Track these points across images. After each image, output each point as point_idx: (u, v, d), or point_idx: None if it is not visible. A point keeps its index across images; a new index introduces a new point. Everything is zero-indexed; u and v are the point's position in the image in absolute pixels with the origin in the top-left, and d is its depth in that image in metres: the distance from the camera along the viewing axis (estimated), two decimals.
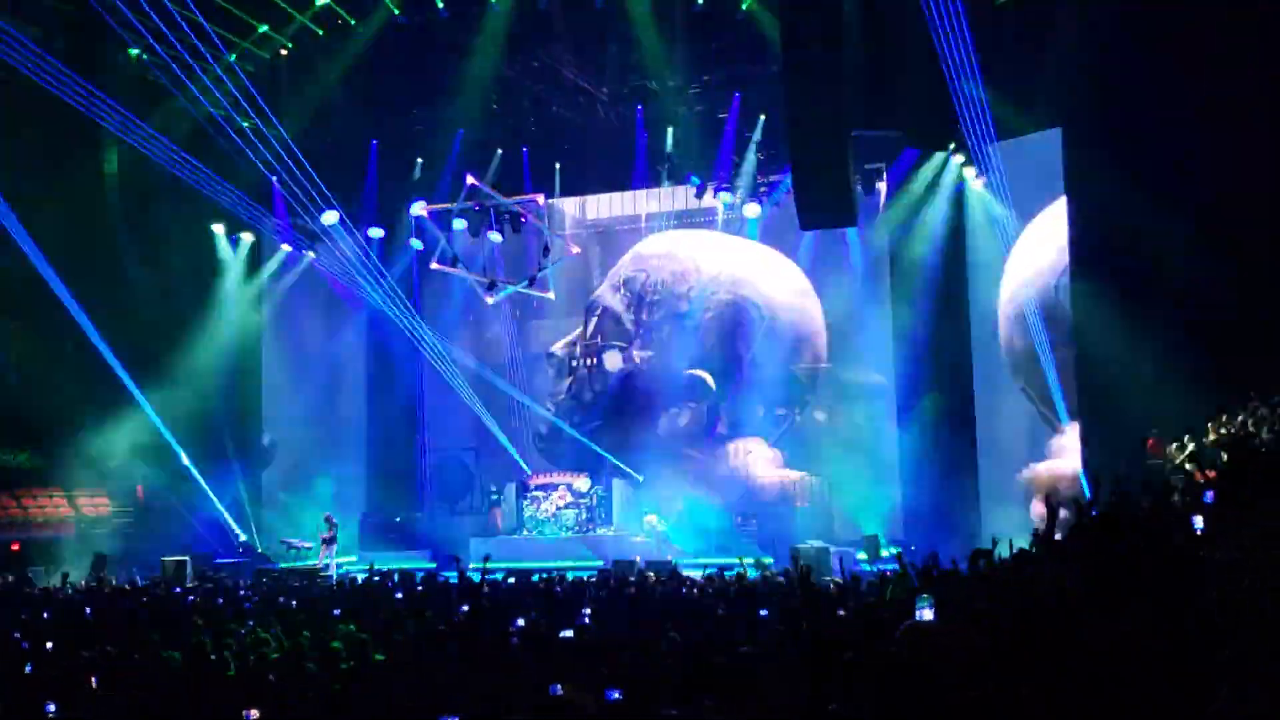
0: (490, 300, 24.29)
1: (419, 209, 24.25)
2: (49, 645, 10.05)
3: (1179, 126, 16.77)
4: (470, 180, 23.10)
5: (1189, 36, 16.56)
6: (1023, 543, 10.56)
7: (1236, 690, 4.00)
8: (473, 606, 10.99)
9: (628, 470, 24.70)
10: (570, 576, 15.77)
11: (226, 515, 23.99)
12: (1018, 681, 4.61)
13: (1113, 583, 6.15)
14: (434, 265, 25.01)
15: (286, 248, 25.15)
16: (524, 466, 25.52)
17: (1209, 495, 9.03)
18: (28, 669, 8.76)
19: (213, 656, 8.59)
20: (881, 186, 23.01)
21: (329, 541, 22.14)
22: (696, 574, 16.48)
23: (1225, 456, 14.21)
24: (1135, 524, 8.27)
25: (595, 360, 26.15)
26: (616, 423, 25.70)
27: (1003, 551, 9.91)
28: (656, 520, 22.75)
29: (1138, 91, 17.62)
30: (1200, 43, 16.30)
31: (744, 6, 20.62)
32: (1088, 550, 7.62)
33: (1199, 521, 8.33)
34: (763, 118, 22.93)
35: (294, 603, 13.71)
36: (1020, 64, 19.62)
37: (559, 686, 6.50)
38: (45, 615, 12.92)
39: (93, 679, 8.18)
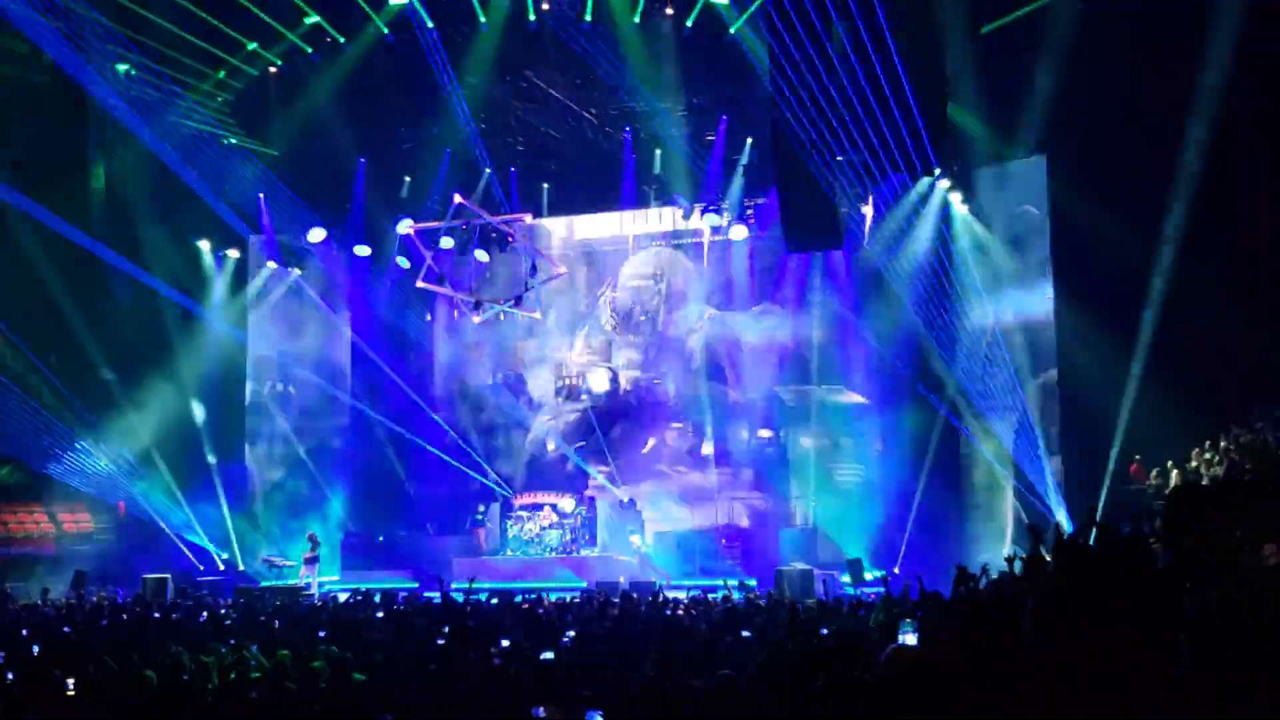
0: (476, 319, 24.28)
1: (406, 227, 24.20)
2: (27, 662, 9.97)
3: (1162, 154, 16.90)
4: (457, 199, 23.10)
5: (1172, 66, 16.69)
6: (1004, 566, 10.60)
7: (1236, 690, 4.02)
8: (455, 627, 10.96)
9: (612, 491, 24.69)
10: (553, 597, 15.74)
11: (208, 533, 23.89)
12: (1007, 698, 4.63)
13: (1107, 588, 6.18)
14: (420, 284, 24.97)
15: (272, 265, 25.11)
16: (508, 486, 25.47)
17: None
18: (7, 687, 8.70)
19: (185, 677, 8.54)
20: (867, 210, 23.11)
21: (311, 560, 22.06)
22: (681, 595, 16.48)
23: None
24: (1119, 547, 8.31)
25: (581, 380, 26.17)
26: (601, 443, 25.71)
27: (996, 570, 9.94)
28: (639, 541, 22.72)
29: (1121, 119, 17.78)
30: (1184, 72, 16.43)
31: (732, 30, 20.71)
32: (1070, 569, 7.65)
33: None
34: (750, 140, 23.02)
35: (275, 622, 13.65)
36: (1005, 90, 19.76)
37: (541, 709, 6.49)
38: (24, 632, 12.83)
39: (71, 697, 8.13)
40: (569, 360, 26.34)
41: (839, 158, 17.12)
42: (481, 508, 24.55)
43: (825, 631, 9.55)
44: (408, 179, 25.47)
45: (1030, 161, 20.69)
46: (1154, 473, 17.82)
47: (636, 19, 20.87)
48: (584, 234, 26.40)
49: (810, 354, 24.10)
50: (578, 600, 15.55)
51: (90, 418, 22.79)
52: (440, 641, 10.25)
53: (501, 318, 25.40)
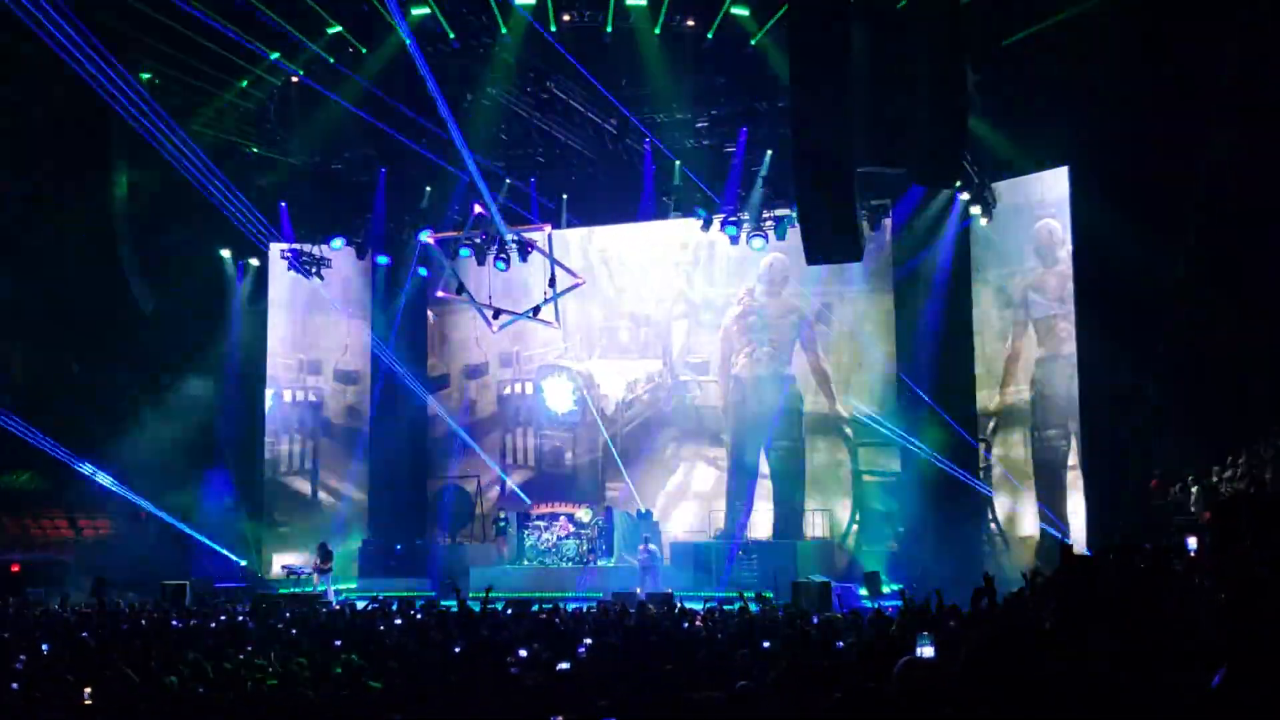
0: (495, 329, 24.30)
1: (426, 237, 24.34)
2: (47, 667, 10.01)
3: (1185, 167, 16.85)
4: (477, 209, 23.18)
5: (1196, 79, 16.66)
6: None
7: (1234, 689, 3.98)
8: (472, 637, 10.96)
9: (630, 501, 24.66)
10: (570, 608, 15.72)
11: (226, 540, 23.98)
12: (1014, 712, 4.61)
13: (1120, 604, 6.16)
14: (439, 293, 25.08)
15: (293, 273, 25.22)
16: (525, 496, 25.46)
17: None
18: (29, 694, 8.73)
19: (201, 688, 8.56)
20: (887, 222, 23.09)
21: (324, 571, 22.13)
22: (697, 606, 16.45)
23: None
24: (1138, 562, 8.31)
25: (598, 390, 26.15)
26: (619, 454, 25.70)
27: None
28: (644, 549, 22.34)
29: (1144, 132, 17.73)
30: (1208, 85, 16.40)
31: (753, 41, 20.72)
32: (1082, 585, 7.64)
33: (1192, 543, 8.42)
34: (770, 152, 23.00)
35: (293, 629, 13.68)
36: (1027, 102, 19.73)
37: (558, 718, 6.49)
38: (41, 636, 12.89)
39: (90, 703, 8.16)
40: (587, 371, 26.34)
41: (859, 170, 17.07)
42: (503, 514, 24.54)
43: (841, 645, 9.52)
44: (428, 189, 25.57)
45: (1052, 174, 20.64)
46: (1175, 488, 17.73)
47: (658, 30, 20.89)
48: (603, 244, 26.40)
49: (830, 367, 24.06)
50: (594, 610, 15.54)
51: (110, 424, 22.90)
52: (457, 650, 10.25)
53: (520, 328, 25.43)
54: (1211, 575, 7.53)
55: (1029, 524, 21.00)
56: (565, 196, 25.53)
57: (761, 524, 23.98)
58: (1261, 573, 6.66)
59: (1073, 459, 20.43)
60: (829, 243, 16.72)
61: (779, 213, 23.01)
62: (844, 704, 5.01)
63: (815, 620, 13.20)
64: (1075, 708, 4.42)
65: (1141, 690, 4.53)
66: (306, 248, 24.99)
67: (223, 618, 15.84)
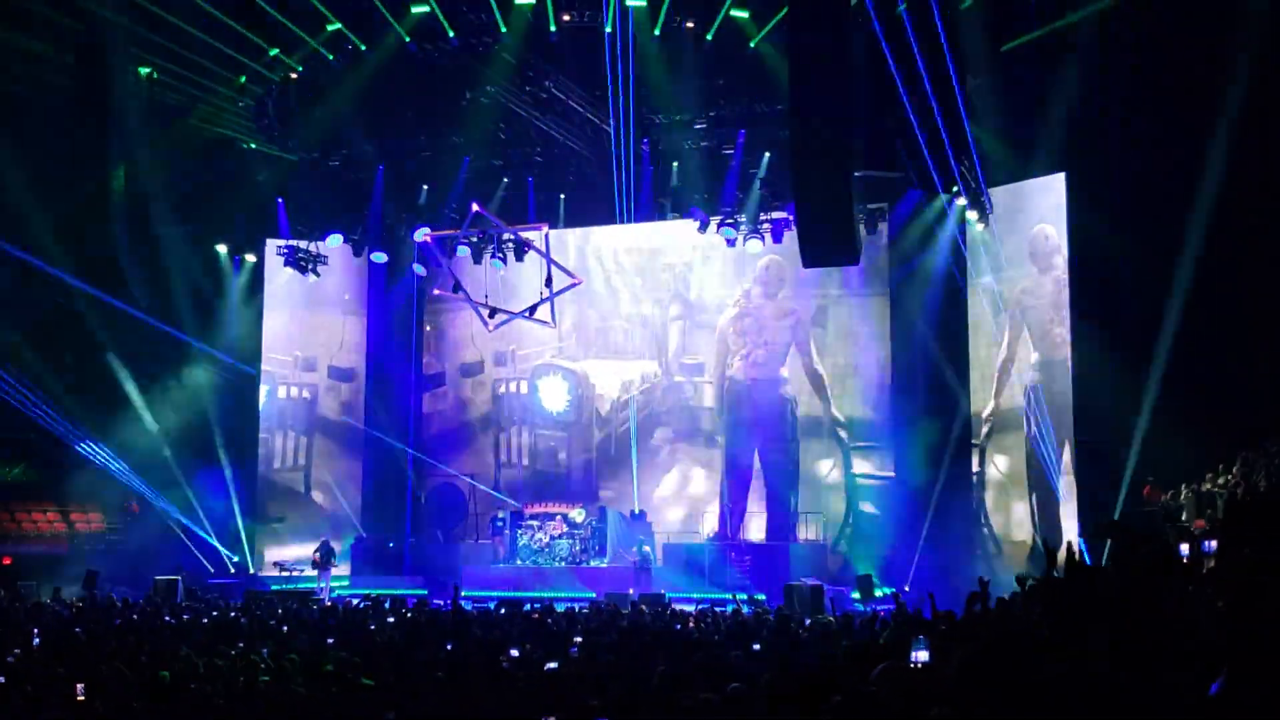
0: (491, 328, 24.28)
1: (423, 235, 24.31)
2: (44, 665, 10.01)
3: (1182, 175, 16.88)
4: (475, 208, 23.16)
5: (1194, 85, 16.69)
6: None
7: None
8: (463, 636, 10.96)
9: (623, 501, 24.66)
10: (562, 608, 15.73)
11: (219, 535, 23.95)
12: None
13: (1120, 606, 6.16)
14: (436, 291, 25.05)
15: (289, 269, 25.19)
16: (519, 496, 25.43)
17: (1207, 545, 9.10)
18: (22, 688, 8.71)
19: (191, 684, 8.55)
20: (883, 226, 23.09)
21: (322, 566, 22.12)
22: (689, 608, 16.46)
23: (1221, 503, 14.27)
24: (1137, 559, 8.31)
25: (593, 391, 26.13)
26: (613, 454, 25.68)
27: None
28: (635, 551, 22.26)
29: (1141, 138, 17.77)
30: (1207, 91, 16.43)
31: (752, 44, 20.72)
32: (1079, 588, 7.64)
33: (1184, 549, 8.44)
34: (767, 154, 23.01)
35: (285, 625, 13.67)
36: (1025, 109, 19.75)
37: (550, 718, 6.49)
38: (35, 631, 12.88)
39: (81, 697, 8.15)
40: (582, 371, 26.32)
41: (857, 173, 17.12)
42: (501, 514, 24.52)
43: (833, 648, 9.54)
44: (425, 187, 25.55)
45: (1049, 180, 20.65)
46: (1168, 494, 17.76)
47: (657, 31, 20.89)
48: (600, 245, 26.39)
49: (825, 370, 24.06)
50: (586, 610, 15.54)
51: (104, 418, 22.86)
52: (449, 647, 10.26)
53: (516, 326, 25.41)
54: (1211, 579, 7.55)
55: (1022, 529, 21.02)
56: (563, 196, 25.54)
57: (754, 526, 23.98)
58: (1262, 578, 6.67)
59: (1066, 464, 20.45)
60: (826, 245, 16.79)
61: (776, 215, 22.99)
62: (841, 706, 5.00)
63: (807, 623, 13.24)
64: (1073, 709, 4.43)
65: (1140, 691, 4.53)
66: (303, 244, 24.94)
67: (215, 613, 15.84)
